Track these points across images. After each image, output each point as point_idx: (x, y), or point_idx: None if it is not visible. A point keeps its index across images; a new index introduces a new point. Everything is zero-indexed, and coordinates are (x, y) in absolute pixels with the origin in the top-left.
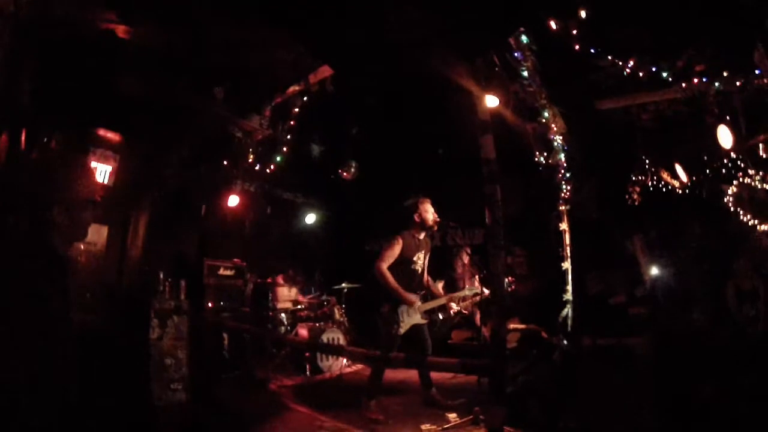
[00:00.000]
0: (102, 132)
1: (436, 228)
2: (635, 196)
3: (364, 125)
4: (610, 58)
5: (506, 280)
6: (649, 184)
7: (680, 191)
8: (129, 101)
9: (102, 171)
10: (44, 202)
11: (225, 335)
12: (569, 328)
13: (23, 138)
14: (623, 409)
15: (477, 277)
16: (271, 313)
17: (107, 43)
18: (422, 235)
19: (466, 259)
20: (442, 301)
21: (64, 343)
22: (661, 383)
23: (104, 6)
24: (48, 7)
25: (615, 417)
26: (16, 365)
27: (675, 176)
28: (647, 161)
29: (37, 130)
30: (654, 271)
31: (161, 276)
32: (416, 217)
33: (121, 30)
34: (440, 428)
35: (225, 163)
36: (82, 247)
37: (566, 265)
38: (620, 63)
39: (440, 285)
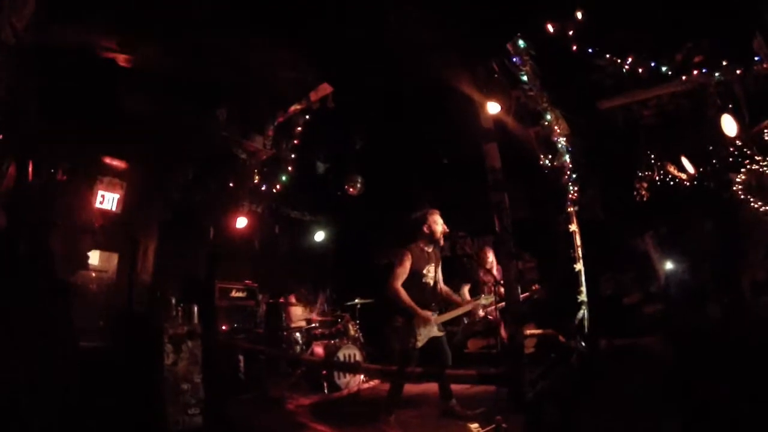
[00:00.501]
0: (108, 160)
1: (443, 241)
2: (643, 193)
3: (367, 139)
4: (608, 56)
5: (532, 287)
6: (656, 179)
7: (688, 184)
8: (133, 126)
9: (109, 199)
10: (42, 229)
11: (240, 357)
12: (586, 330)
13: (30, 168)
14: (641, 409)
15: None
16: (285, 333)
17: (110, 69)
18: (431, 248)
19: (490, 259)
20: (459, 312)
21: (64, 344)
22: (676, 381)
23: (105, 35)
24: (49, 38)
25: (632, 417)
26: (16, 366)
27: (682, 169)
28: (652, 157)
29: (44, 160)
30: (667, 267)
31: (173, 301)
32: (425, 228)
33: (121, 59)
34: None
35: (231, 184)
36: (93, 274)
37: (578, 266)
38: (619, 61)
39: (466, 289)
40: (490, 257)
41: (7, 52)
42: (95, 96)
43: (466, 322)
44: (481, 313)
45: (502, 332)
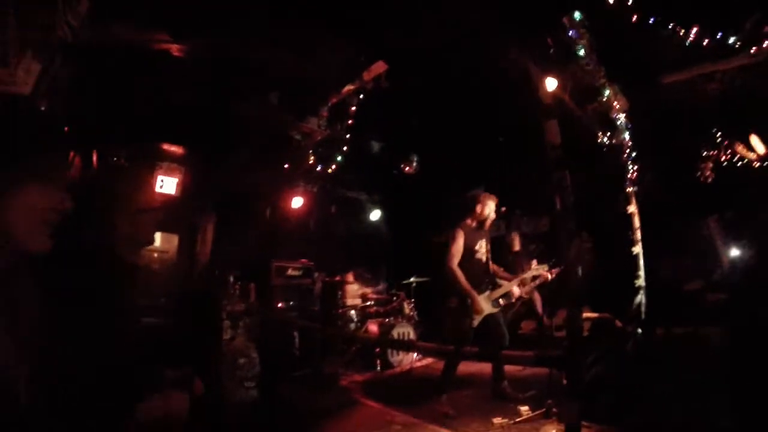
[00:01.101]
0: (166, 146)
1: (488, 226)
2: (708, 173)
3: (423, 117)
4: (670, 27)
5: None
6: (722, 159)
7: (757, 165)
8: (188, 112)
9: (169, 183)
10: (108, 211)
11: (295, 334)
12: (643, 316)
13: (94, 157)
14: (700, 402)
15: (535, 260)
16: (340, 311)
17: (163, 59)
18: (477, 225)
19: (516, 244)
20: (511, 285)
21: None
22: (739, 375)
23: (158, 27)
24: (104, 32)
25: (691, 410)
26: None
27: (750, 148)
28: (719, 134)
29: (105, 149)
30: (732, 254)
31: (231, 279)
32: (477, 208)
33: (175, 49)
34: (512, 421)
35: (286, 166)
36: (155, 255)
37: (637, 249)
38: (682, 32)
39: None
40: (517, 244)
41: (66, 50)
42: (152, 86)
43: (502, 303)
44: (516, 293)
45: (539, 309)
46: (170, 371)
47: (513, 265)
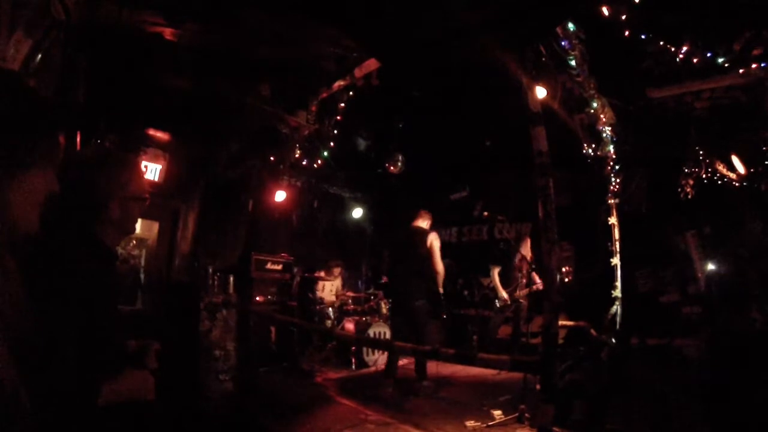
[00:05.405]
0: (152, 132)
1: None
2: (688, 190)
3: (411, 118)
4: (661, 44)
5: (564, 269)
6: (704, 176)
7: (737, 184)
8: (177, 100)
9: (152, 169)
10: (101, 197)
11: (272, 328)
12: (618, 326)
13: (78, 140)
14: (674, 413)
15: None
16: (317, 307)
17: (155, 44)
18: None
19: (527, 249)
20: None
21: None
22: (714, 387)
23: (151, 10)
24: (97, 13)
25: (665, 421)
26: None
27: (731, 168)
28: (701, 152)
29: (91, 131)
30: (708, 268)
31: (210, 270)
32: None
33: (168, 33)
34: (485, 425)
35: (272, 158)
36: (134, 242)
37: (615, 260)
38: (672, 49)
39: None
40: (526, 250)
41: (58, 27)
42: (140, 70)
43: (498, 305)
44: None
45: (521, 320)
46: (132, 342)
47: (512, 272)
